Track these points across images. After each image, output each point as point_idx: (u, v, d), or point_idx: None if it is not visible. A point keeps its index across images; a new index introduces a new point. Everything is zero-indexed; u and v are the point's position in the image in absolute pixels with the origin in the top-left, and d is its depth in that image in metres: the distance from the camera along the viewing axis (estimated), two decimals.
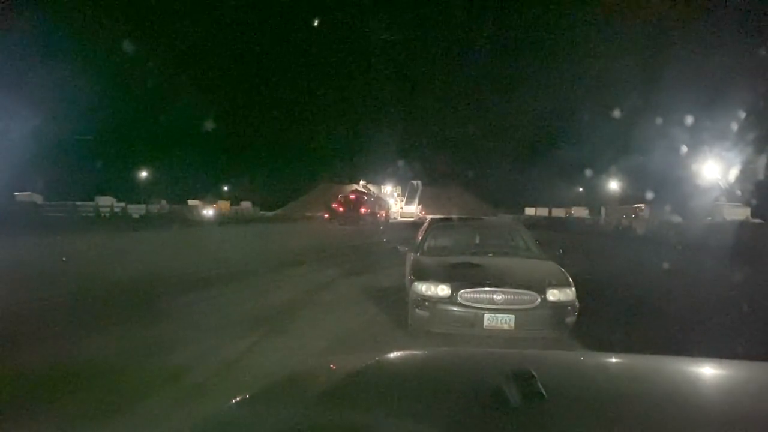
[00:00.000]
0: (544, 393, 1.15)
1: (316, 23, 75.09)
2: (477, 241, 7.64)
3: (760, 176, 25.76)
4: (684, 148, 30.78)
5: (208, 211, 49.06)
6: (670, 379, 1.56)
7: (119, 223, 32.94)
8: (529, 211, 59.29)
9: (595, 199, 51.62)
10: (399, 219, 56.10)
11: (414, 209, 66.04)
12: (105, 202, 42.51)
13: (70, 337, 5.89)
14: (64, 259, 13.72)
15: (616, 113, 36.81)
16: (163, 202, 50.18)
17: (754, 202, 27.59)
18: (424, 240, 7.41)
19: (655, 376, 1.59)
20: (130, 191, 50.17)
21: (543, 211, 58.78)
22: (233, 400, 1.37)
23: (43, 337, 5.88)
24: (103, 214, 39.17)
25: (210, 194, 59.56)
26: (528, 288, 5.64)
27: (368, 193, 56.60)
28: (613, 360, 1.86)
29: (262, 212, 61.97)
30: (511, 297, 5.58)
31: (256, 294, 9.10)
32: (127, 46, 56.49)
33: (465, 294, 5.61)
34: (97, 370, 4.72)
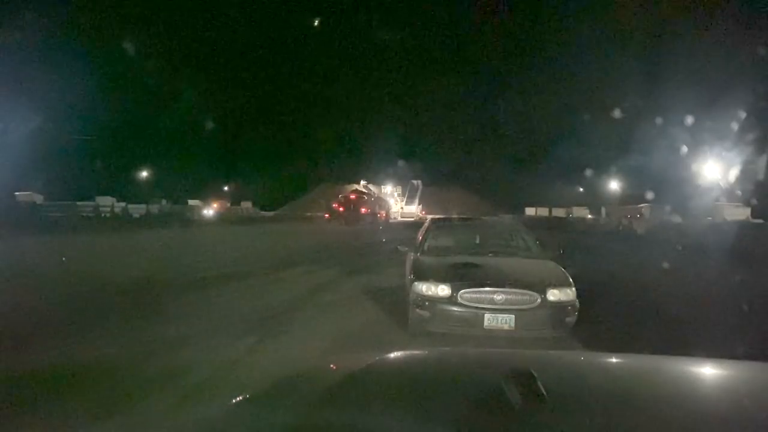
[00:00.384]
0: (544, 393, 1.15)
1: (316, 23, 74.78)
2: (477, 241, 7.65)
3: (761, 176, 25.69)
4: (684, 148, 30.72)
5: (208, 211, 49.09)
6: (670, 379, 1.56)
7: (119, 223, 32.96)
8: (530, 210, 59.11)
9: (595, 199, 51.50)
10: (399, 219, 56.02)
11: (414, 209, 65.89)
12: (105, 202, 42.43)
13: (70, 337, 5.89)
14: (63, 259, 13.71)
15: (617, 113, 36.73)
16: (163, 201, 50.19)
17: (754, 202, 27.51)
18: (424, 240, 7.40)
19: (655, 376, 1.59)
20: (130, 191, 50.14)
21: (543, 211, 58.61)
22: (233, 400, 1.37)
23: (43, 337, 5.88)
24: (103, 214, 39.16)
25: (210, 194, 59.56)
26: (528, 288, 5.64)
27: (368, 193, 56.57)
28: (613, 360, 1.86)
29: (262, 212, 61.97)
30: (511, 297, 5.58)
31: (257, 294, 9.11)
32: (128, 45, 56.57)
33: (465, 294, 5.61)
34: (97, 370, 4.72)
